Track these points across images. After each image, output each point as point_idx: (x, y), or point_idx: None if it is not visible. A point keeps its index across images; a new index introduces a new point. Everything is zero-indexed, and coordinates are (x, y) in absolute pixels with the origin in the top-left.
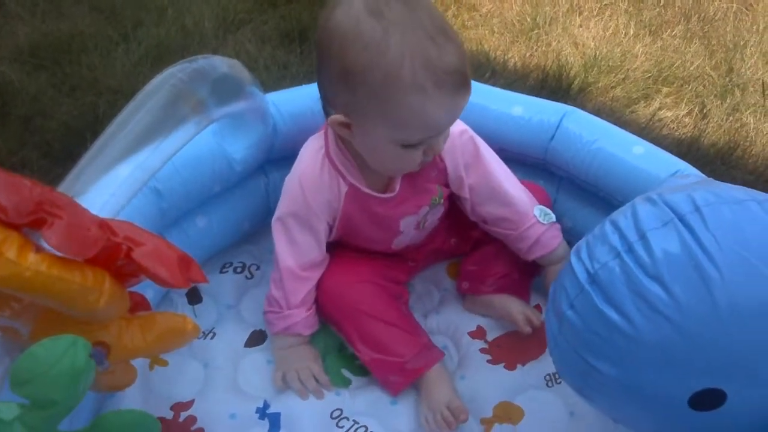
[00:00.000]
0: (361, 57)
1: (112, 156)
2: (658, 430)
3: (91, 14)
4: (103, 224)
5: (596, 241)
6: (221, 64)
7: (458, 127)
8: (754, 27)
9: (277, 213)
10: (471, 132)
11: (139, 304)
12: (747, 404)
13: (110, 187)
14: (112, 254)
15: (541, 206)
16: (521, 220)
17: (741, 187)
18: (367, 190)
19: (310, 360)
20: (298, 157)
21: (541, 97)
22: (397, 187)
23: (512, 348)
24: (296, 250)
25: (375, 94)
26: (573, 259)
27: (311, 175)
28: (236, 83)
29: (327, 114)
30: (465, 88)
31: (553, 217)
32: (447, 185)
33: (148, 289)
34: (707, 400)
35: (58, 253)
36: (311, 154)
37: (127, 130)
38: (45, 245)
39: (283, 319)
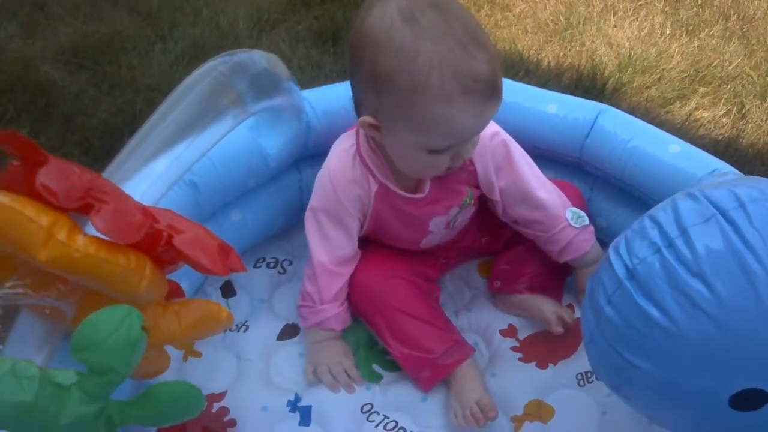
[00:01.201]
0: (391, 62)
1: (151, 148)
2: (695, 429)
3: (129, 16)
4: (146, 211)
5: (635, 236)
6: (261, 58)
7: (490, 129)
8: None
9: (309, 208)
10: (503, 134)
11: (174, 292)
12: None
13: (148, 178)
14: (153, 240)
15: (574, 208)
16: (552, 223)
17: None
18: (396, 190)
19: (342, 354)
20: (330, 153)
21: (575, 96)
22: (427, 189)
23: (544, 346)
24: (328, 246)
25: (402, 99)
26: (611, 254)
27: (342, 172)
28: (275, 78)
29: (358, 114)
30: (494, 97)
31: (586, 220)
32: (477, 187)
33: (183, 280)
34: (749, 399)
35: (104, 238)
36: (343, 151)
37: (167, 123)
38: (91, 230)
39: (316, 314)
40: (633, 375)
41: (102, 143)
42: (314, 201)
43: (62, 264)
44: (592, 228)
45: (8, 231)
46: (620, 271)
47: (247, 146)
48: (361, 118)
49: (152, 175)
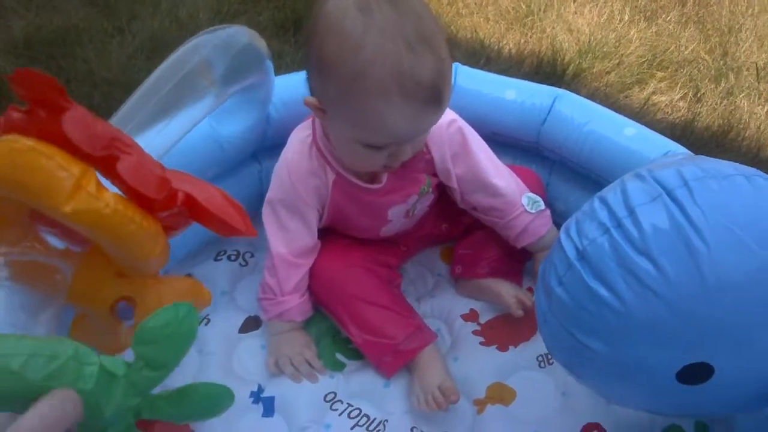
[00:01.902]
0: (336, 49)
1: (131, 130)
2: (647, 405)
3: (85, 7)
4: (165, 169)
5: (585, 217)
6: (243, 31)
7: (447, 116)
8: (749, 11)
9: (267, 200)
10: (460, 122)
11: None
12: (734, 377)
13: None
14: (169, 201)
15: (530, 194)
16: (509, 209)
17: (729, 162)
18: (354, 180)
19: (303, 345)
20: (287, 144)
21: (535, 82)
22: (384, 179)
23: (505, 330)
24: (287, 237)
25: (342, 88)
26: (562, 236)
27: (299, 163)
28: (255, 54)
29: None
30: (434, 105)
31: (542, 205)
32: (435, 175)
33: None
34: (695, 374)
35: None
36: (299, 141)
37: (150, 105)
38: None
39: (277, 306)
40: (585, 355)
41: None
42: (271, 192)
43: (87, 218)
44: (548, 212)
45: (32, 177)
46: (570, 253)
47: (206, 134)
48: (308, 99)
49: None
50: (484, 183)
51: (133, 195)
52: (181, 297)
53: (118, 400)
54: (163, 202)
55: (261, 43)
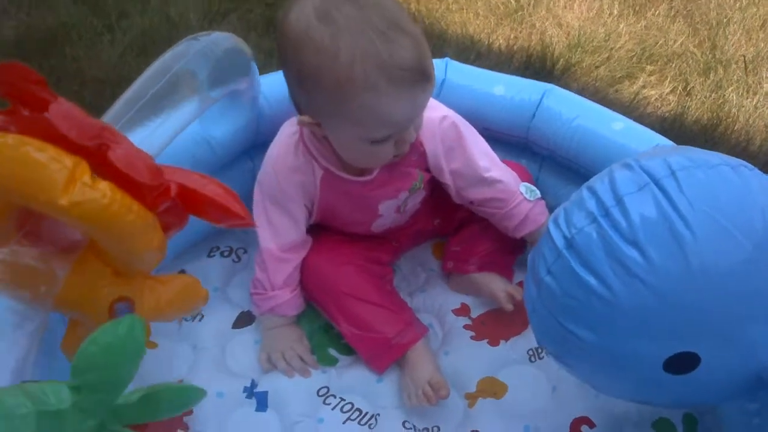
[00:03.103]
0: (313, 62)
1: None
2: (635, 395)
3: (75, 5)
4: (154, 162)
5: (573, 206)
6: (226, 37)
7: (438, 112)
8: (737, 4)
9: (255, 196)
10: (453, 117)
11: None
12: (720, 367)
13: None
14: (162, 194)
15: (526, 183)
16: (508, 199)
17: (715, 152)
18: (342, 174)
19: (296, 340)
20: (274, 140)
21: (525, 78)
22: (375, 172)
23: (495, 324)
24: (275, 232)
25: (332, 97)
26: (551, 226)
27: (284, 159)
28: (240, 58)
29: (297, 111)
30: (424, 81)
31: (538, 193)
32: (428, 170)
33: None
34: (681, 363)
35: None
36: (286, 137)
37: (133, 112)
38: None
39: (268, 300)
40: (574, 344)
41: None
42: (258, 188)
43: (85, 209)
44: (544, 202)
45: (24, 172)
46: (559, 242)
47: (195, 135)
48: (300, 118)
49: None
50: (481, 175)
51: (127, 187)
52: (178, 295)
53: (73, 429)
54: (157, 195)
55: (244, 47)
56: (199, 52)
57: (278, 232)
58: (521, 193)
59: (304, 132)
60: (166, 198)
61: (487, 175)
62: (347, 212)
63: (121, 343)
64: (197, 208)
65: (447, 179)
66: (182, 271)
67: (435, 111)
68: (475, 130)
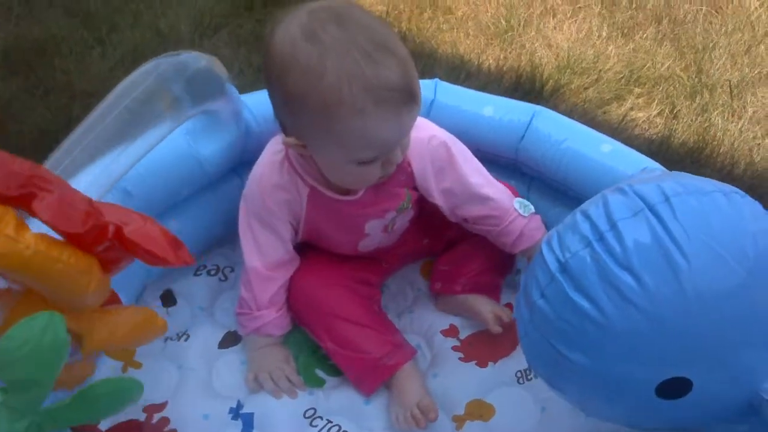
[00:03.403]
0: (299, 83)
1: (83, 155)
2: (626, 419)
3: (65, 18)
4: (92, 203)
5: (567, 230)
6: (198, 59)
7: (426, 132)
8: (723, 29)
9: (240, 213)
10: (442, 136)
11: (110, 300)
12: (711, 391)
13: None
14: (99, 235)
15: (520, 198)
16: (503, 215)
17: (708, 179)
18: (328, 192)
19: (283, 360)
20: (259, 158)
21: (515, 98)
22: (361, 191)
23: (484, 346)
24: (260, 250)
25: (318, 118)
26: (544, 248)
27: (269, 177)
28: (215, 80)
29: (283, 132)
30: (410, 102)
31: (532, 208)
32: (416, 189)
33: (120, 290)
34: (674, 388)
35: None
36: (270, 155)
37: (99, 130)
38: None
39: (254, 320)
40: (566, 367)
41: (36, 151)
42: (244, 206)
43: (12, 261)
44: (539, 216)
45: None
46: (552, 265)
47: (183, 152)
48: (285, 140)
49: (84, 183)
50: (474, 193)
51: (61, 231)
52: (135, 328)
53: (3, 429)
54: (94, 236)
55: (219, 68)
56: (170, 70)
57: (264, 250)
58: (515, 209)
59: (290, 150)
60: (103, 239)
61: (480, 192)
62: (333, 231)
63: (37, 338)
64: (129, 250)
65: (437, 199)
66: (168, 291)
67: (423, 131)
68: (465, 148)
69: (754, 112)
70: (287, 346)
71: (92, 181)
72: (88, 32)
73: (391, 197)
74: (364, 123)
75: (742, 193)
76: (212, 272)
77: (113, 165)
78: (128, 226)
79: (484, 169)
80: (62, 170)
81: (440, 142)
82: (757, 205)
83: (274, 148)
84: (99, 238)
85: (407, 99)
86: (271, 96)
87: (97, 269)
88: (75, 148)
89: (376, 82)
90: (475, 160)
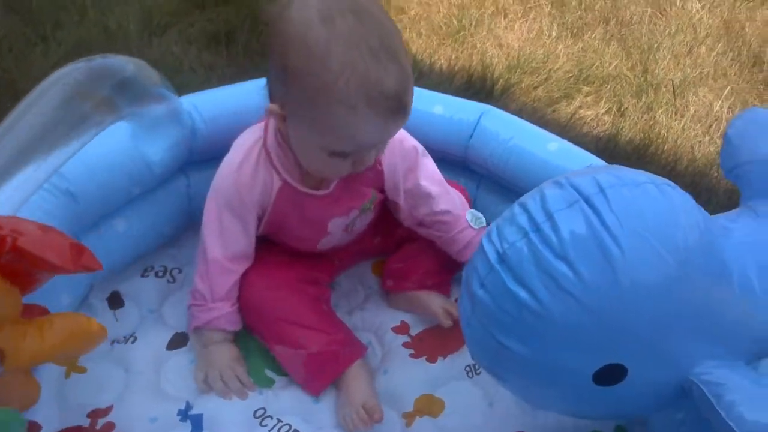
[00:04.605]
0: (300, 59)
1: (3, 157)
2: (567, 407)
3: (5, 14)
4: None
5: (505, 222)
6: (124, 63)
7: (400, 133)
8: (667, 30)
9: (208, 202)
10: (413, 140)
11: (38, 312)
12: (646, 378)
13: (4, 189)
14: None
15: (473, 211)
16: (454, 224)
17: (642, 171)
18: (299, 187)
19: (233, 360)
20: (234, 145)
21: (465, 98)
22: (332, 186)
23: (434, 341)
24: (224, 240)
25: (308, 98)
26: (484, 241)
27: (243, 165)
28: (141, 84)
29: (269, 99)
30: (400, 114)
31: (484, 222)
32: (382, 191)
33: (63, 293)
34: (610, 374)
35: None
36: (247, 144)
37: (19, 131)
38: None
39: (207, 312)
40: (506, 357)
41: None
42: (213, 194)
43: None
44: None
45: None
46: (492, 256)
47: (128, 153)
48: (270, 105)
49: (9, 185)
50: (430, 198)
51: None
52: (69, 337)
53: None
54: None
55: (148, 73)
56: (93, 71)
57: (228, 241)
58: (467, 220)
59: (269, 138)
60: (1, 251)
61: (437, 197)
62: (296, 227)
63: None
64: (27, 259)
65: (400, 199)
66: (115, 293)
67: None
68: (430, 157)
69: (695, 111)
70: (238, 345)
71: (25, 177)
72: (30, 29)
73: (358, 196)
74: (349, 118)
75: (673, 185)
76: (160, 274)
77: (41, 167)
78: (23, 236)
79: (441, 178)
80: None
81: (411, 145)
82: (687, 197)
83: (251, 137)
84: None
85: (397, 109)
86: (270, 62)
87: None
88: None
89: (375, 84)
90: (435, 168)
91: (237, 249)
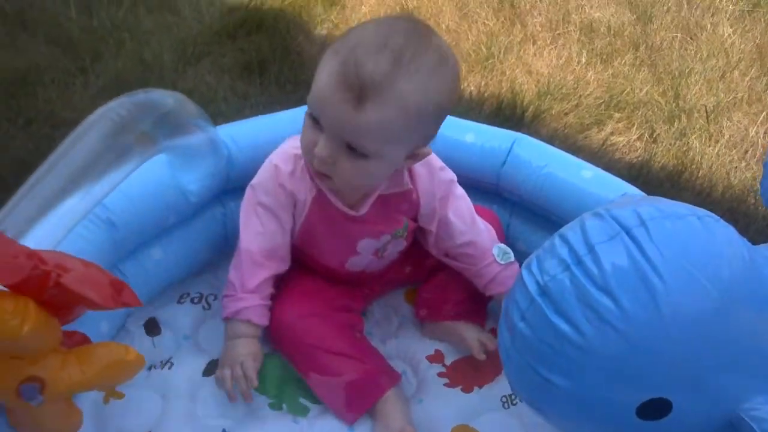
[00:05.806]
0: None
1: (49, 189)
2: None
3: (47, 47)
4: (32, 254)
5: (546, 254)
6: (164, 97)
7: (438, 162)
8: (698, 55)
9: (246, 198)
10: (451, 173)
11: (79, 342)
12: (691, 412)
13: (49, 220)
14: (41, 283)
15: (501, 245)
16: (481, 257)
17: (682, 203)
18: (333, 200)
19: (250, 355)
20: (277, 149)
21: (495, 125)
22: (366, 209)
23: (469, 371)
24: (259, 235)
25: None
26: (524, 272)
27: (283, 169)
28: (182, 117)
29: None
30: (352, 97)
31: (512, 257)
32: (415, 219)
33: (102, 321)
34: (654, 409)
35: None
36: (290, 149)
37: (65, 164)
38: None
39: (235, 302)
40: (548, 390)
41: (16, 180)
42: (252, 190)
43: None
44: (517, 265)
45: None
46: (532, 288)
47: (166, 183)
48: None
49: (54, 216)
50: (456, 230)
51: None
52: (108, 366)
53: None
54: (35, 284)
55: (186, 105)
56: (137, 106)
57: (263, 235)
58: (493, 255)
59: None
60: (46, 287)
61: (466, 229)
62: (326, 239)
63: None
64: (69, 296)
65: (434, 226)
66: (152, 319)
67: (436, 161)
68: (462, 190)
69: (730, 136)
70: (272, 372)
71: (69, 208)
72: (70, 61)
73: (391, 221)
74: (324, 62)
75: (716, 217)
76: (195, 300)
77: (88, 194)
78: (68, 272)
79: (472, 211)
80: (31, 200)
81: (449, 178)
82: (731, 229)
83: (293, 143)
84: (42, 286)
85: (354, 90)
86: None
87: (34, 312)
88: (43, 180)
89: (362, 57)
90: (468, 199)
91: (269, 245)
